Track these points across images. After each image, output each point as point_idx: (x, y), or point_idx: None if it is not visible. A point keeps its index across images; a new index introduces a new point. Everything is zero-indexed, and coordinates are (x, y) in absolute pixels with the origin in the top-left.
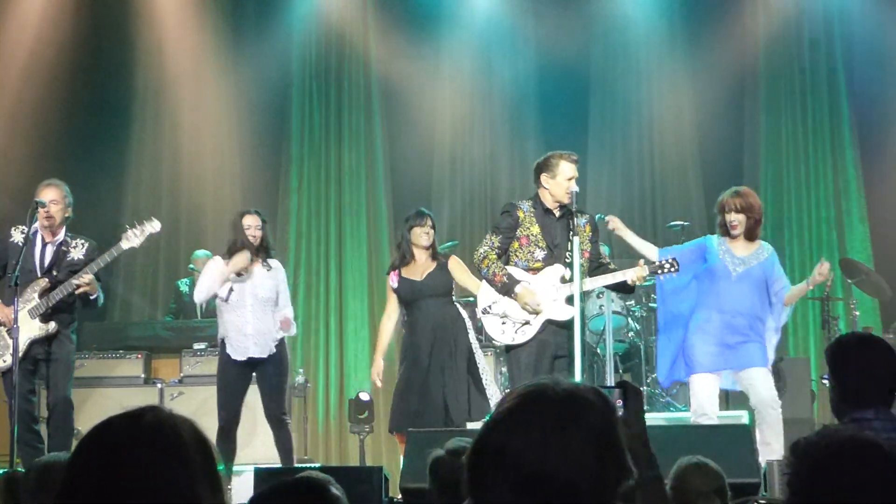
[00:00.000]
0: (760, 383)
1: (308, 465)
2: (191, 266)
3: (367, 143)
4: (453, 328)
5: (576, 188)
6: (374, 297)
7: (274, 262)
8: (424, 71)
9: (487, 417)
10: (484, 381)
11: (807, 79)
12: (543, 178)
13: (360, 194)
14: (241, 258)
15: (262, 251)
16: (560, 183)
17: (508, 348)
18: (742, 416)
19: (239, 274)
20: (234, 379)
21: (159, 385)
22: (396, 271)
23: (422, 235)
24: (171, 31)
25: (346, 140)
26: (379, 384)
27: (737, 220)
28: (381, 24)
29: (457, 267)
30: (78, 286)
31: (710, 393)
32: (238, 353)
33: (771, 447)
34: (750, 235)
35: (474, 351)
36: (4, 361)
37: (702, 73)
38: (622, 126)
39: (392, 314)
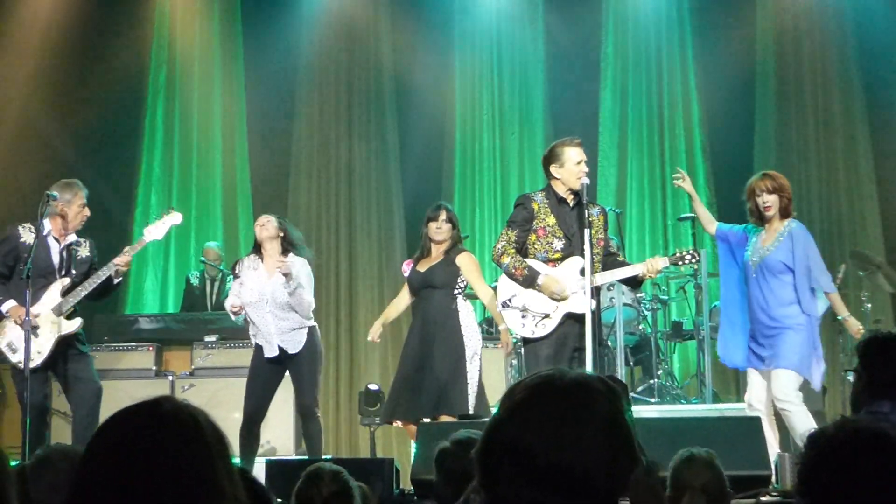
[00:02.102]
0: (773, 384)
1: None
2: (202, 259)
3: (377, 136)
4: (444, 322)
5: (587, 181)
6: (384, 289)
7: (295, 259)
8: (435, 63)
9: (495, 411)
10: (470, 380)
11: (818, 70)
12: (553, 169)
13: (370, 187)
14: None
15: (283, 247)
16: (570, 169)
17: (527, 341)
18: (746, 409)
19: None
20: (263, 372)
21: (170, 377)
22: (411, 261)
23: (435, 230)
24: (182, 21)
25: (356, 132)
26: (370, 338)
27: (770, 200)
28: (391, 16)
29: (467, 263)
30: (117, 270)
31: (759, 388)
32: (267, 350)
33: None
34: (784, 214)
35: (466, 349)
36: (33, 360)
37: (712, 64)
38: (633, 118)
39: (403, 296)
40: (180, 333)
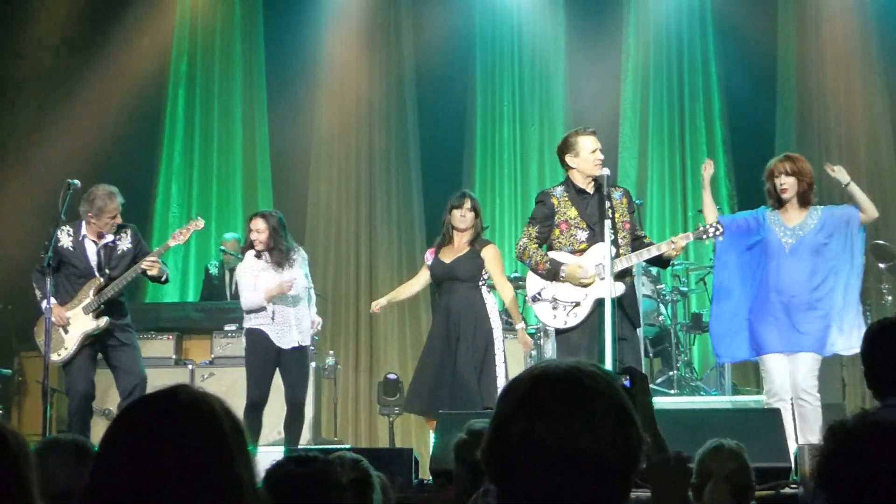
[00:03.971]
0: (799, 370)
1: (338, 446)
2: (221, 248)
3: (397, 126)
4: (471, 313)
5: (607, 171)
6: (403, 279)
7: (298, 254)
8: (455, 53)
9: (496, 409)
10: (498, 371)
11: (840, 60)
12: (568, 158)
13: (390, 177)
14: (276, 290)
15: (277, 252)
16: (585, 158)
17: (559, 332)
18: (762, 401)
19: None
20: (267, 360)
21: (190, 366)
22: (433, 249)
23: (459, 218)
24: (204, 10)
25: (376, 122)
26: (372, 309)
27: (787, 182)
28: (412, 6)
29: (491, 258)
30: (145, 270)
31: (782, 374)
32: (283, 341)
33: (799, 438)
34: (803, 201)
35: (494, 339)
36: (59, 355)
37: (734, 55)
38: (654, 109)
39: (420, 279)
40: (200, 322)
